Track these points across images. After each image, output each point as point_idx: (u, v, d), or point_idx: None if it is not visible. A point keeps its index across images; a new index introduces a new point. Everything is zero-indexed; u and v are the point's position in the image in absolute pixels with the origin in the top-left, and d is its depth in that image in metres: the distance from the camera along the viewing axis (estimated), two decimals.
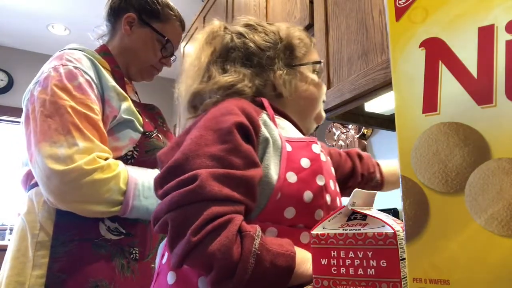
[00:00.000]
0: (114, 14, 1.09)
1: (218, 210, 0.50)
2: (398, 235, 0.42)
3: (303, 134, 0.73)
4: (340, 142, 1.71)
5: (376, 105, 1.23)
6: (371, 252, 0.43)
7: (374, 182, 0.96)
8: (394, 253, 0.42)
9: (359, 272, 0.43)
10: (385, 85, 0.99)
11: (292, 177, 0.59)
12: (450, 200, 0.32)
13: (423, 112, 0.34)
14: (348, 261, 0.44)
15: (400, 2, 0.36)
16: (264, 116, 0.64)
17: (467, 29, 0.32)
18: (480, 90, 0.31)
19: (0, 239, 3.39)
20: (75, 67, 0.91)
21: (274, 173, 0.59)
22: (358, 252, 0.44)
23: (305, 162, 0.61)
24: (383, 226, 0.44)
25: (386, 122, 1.35)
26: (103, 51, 1.06)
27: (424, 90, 0.34)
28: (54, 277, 0.85)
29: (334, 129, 1.76)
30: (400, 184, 0.34)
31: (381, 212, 0.49)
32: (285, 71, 0.73)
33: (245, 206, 0.55)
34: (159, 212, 0.52)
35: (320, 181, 0.61)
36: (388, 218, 0.46)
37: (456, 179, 0.31)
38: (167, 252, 0.62)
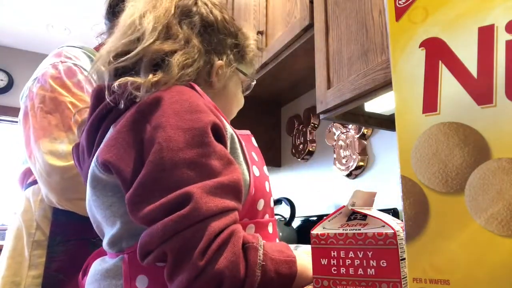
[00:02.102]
0: (113, 13, 1.09)
1: (218, 225, 0.46)
2: (398, 235, 0.42)
3: None
4: (340, 142, 1.71)
5: (376, 105, 1.23)
6: (371, 252, 0.43)
7: None
8: (394, 253, 0.42)
9: (359, 272, 0.43)
10: (385, 85, 0.99)
11: (256, 170, 0.60)
12: (450, 200, 0.31)
13: (423, 112, 0.34)
14: (348, 261, 0.44)
15: (400, 2, 0.36)
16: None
17: (467, 29, 0.32)
18: (480, 90, 0.31)
19: (0, 239, 3.39)
20: (74, 64, 0.91)
21: (245, 169, 0.58)
22: (358, 252, 0.44)
23: (254, 155, 0.62)
24: (383, 226, 0.44)
25: (386, 122, 1.35)
26: None
27: (424, 90, 0.34)
28: (51, 276, 0.84)
29: (334, 129, 1.76)
30: (400, 184, 0.34)
31: (381, 212, 0.49)
32: (227, 65, 0.69)
33: (238, 210, 0.52)
34: (149, 244, 0.46)
35: (267, 172, 0.63)
36: (388, 218, 0.46)
37: (456, 179, 0.31)
38: (142, 276, 0.55)
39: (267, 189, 0.62)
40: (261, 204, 0.59)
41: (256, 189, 0.58)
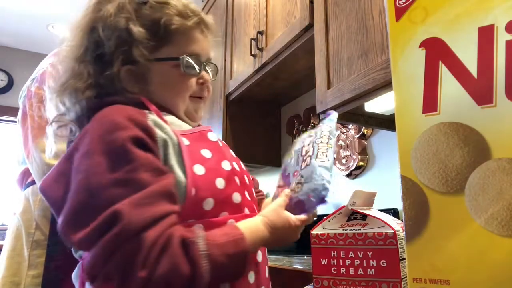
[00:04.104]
0: None
1: (154, 234, 0.48)
2: (398, 235, 0.42)
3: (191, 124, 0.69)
4: (340, 142, 1.71)
5: (376, 105, 1.23)
6: (371, 252, 0.43)
7: None
8: (394, 253, 0.42)
9: (359, 272, 0.43)
10: (385, 85, 0.98)
11: (199, 169, 0.58)
12: (450, 200, 0.31)
13: (423, 112, 0.34)
14: (348, 261, 0.44)
15: (400, 2, 0.36)
16: (150, 116, 0.58)
17: (467, 29, 0.32)
18: (480, 90, 0.31)
19: (0, 239, 3.39)
20: None
21: (180, 172, 0.57)
22: (358, 252, 0.44)
23: (206, 153, 0.61)
24: (383, 226, 0.44)
25: (386, 122, 1.35)
26: None
27: (424, 90, 0.34)
28: (51, 276, 0.85)
29: None
30: (400, 184, 0.34)
31: (381, 212, 0.49)
32: (138, 65, 0.62)
33: (175, 213, 0.52)
34: (93, 268, 0.48)
35: (226, 167, 0.61)
36: (388, 218, 0.46)
37: (456, 179, 0.31)
38: (87, 283, 0.57)
39: (221, 186, 0.59)
40: (209, 203, 0.57)
41: (199, 189, 0.56)
